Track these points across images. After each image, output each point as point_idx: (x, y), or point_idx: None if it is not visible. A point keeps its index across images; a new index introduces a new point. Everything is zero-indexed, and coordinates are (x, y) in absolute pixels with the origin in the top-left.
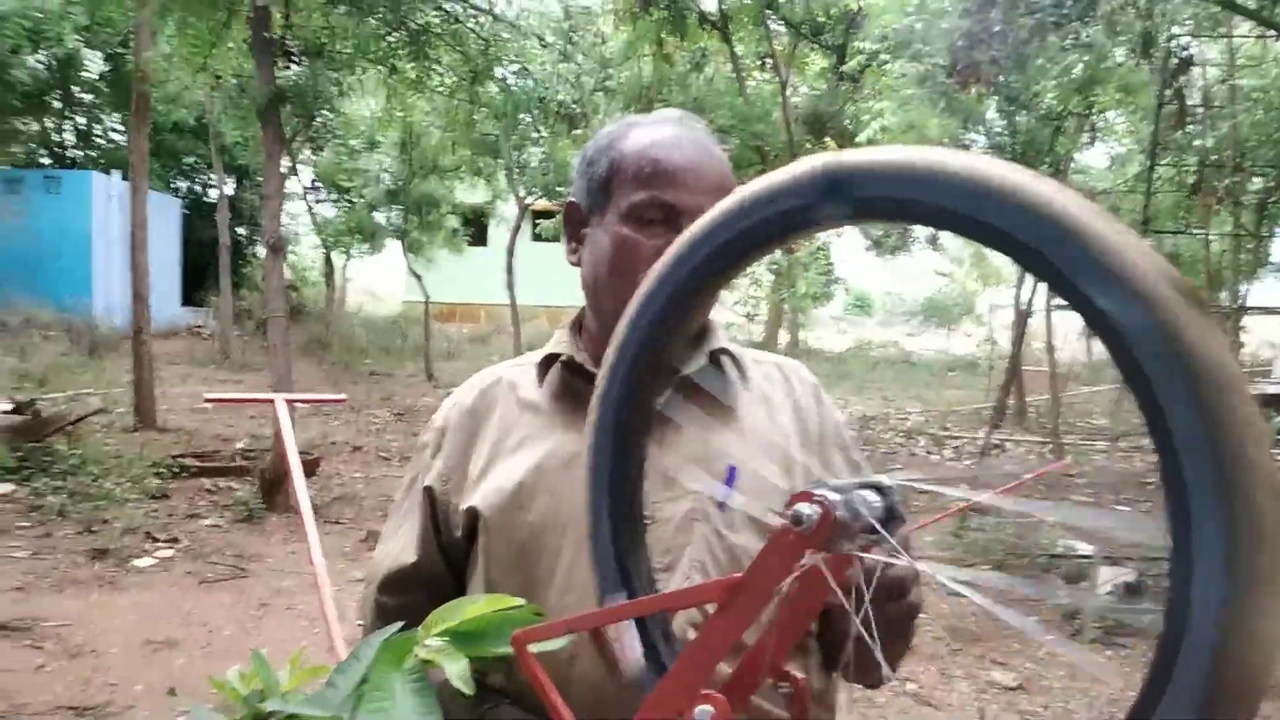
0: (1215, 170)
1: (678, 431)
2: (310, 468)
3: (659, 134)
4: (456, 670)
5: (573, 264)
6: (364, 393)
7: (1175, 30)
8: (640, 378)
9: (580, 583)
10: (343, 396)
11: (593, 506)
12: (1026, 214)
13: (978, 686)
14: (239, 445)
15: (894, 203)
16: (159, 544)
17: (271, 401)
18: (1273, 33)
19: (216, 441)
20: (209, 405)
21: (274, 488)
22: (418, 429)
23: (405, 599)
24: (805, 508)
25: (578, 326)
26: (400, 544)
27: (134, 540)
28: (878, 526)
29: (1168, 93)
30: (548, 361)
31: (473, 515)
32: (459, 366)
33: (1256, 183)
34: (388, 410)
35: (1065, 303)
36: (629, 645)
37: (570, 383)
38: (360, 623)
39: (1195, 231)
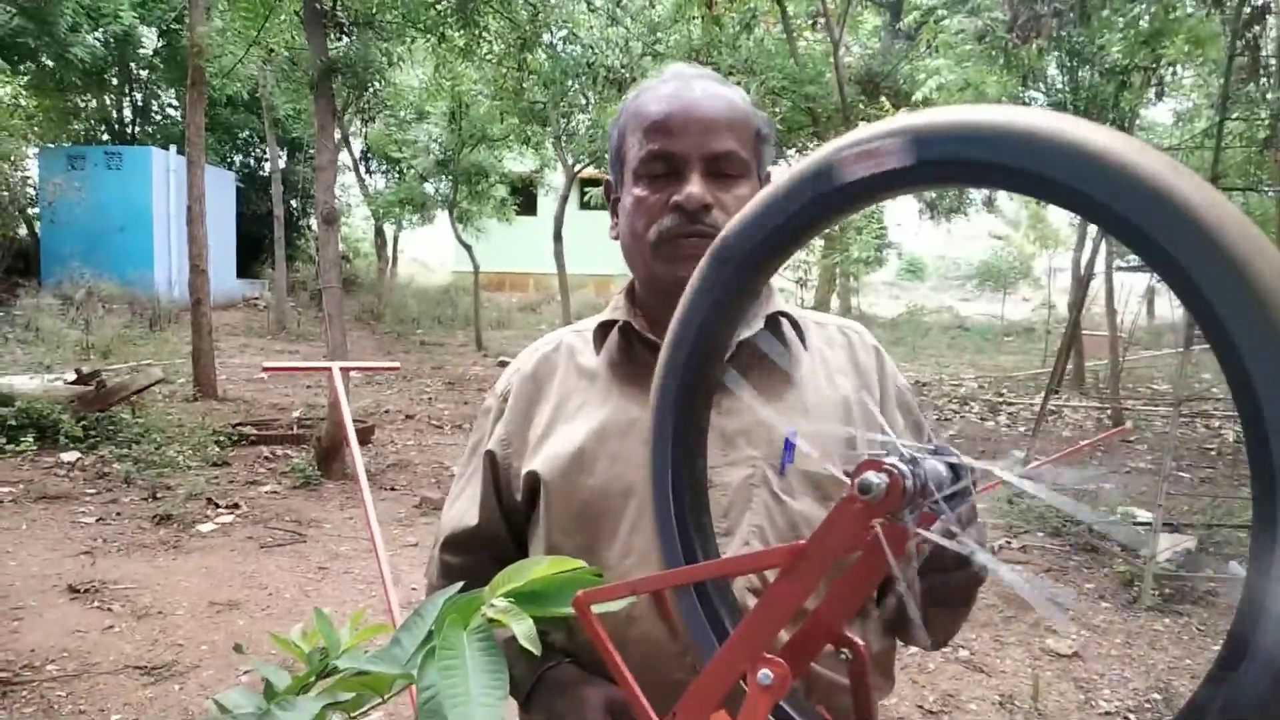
0: None
1: (735, 397)
2: (364, 436)
3: (654, 91)
4: (523, 630)
5: (614, 239)
6: (415, 362)
7: None
8: (704, 349)
9: (640, 546)
10: (396, 365)
11: (656, 473)
12: (1149, 200)
13: (1031, 654)
14: (295, 414)
15: (983, 167)
16: (220, 509)
17: (328, 370)
18: None
19: (274, 410)
20: (266, 375)
21: (330, 455)
22: (469, 397)
23: (468, 559)
24: (873, 476)
25: (631, 293)
26: (463, 506)
27: (196, 506)
28: (941, 502)
29: (1240, 44)
30: (605, 328)
31: (533, 479)
32: (508, 335)
33: None
34: (439, 379)
35: (1151, 276)
36: (689, 609)
37: (628, 349)
38: (427, 581)
39: (1267, 188)
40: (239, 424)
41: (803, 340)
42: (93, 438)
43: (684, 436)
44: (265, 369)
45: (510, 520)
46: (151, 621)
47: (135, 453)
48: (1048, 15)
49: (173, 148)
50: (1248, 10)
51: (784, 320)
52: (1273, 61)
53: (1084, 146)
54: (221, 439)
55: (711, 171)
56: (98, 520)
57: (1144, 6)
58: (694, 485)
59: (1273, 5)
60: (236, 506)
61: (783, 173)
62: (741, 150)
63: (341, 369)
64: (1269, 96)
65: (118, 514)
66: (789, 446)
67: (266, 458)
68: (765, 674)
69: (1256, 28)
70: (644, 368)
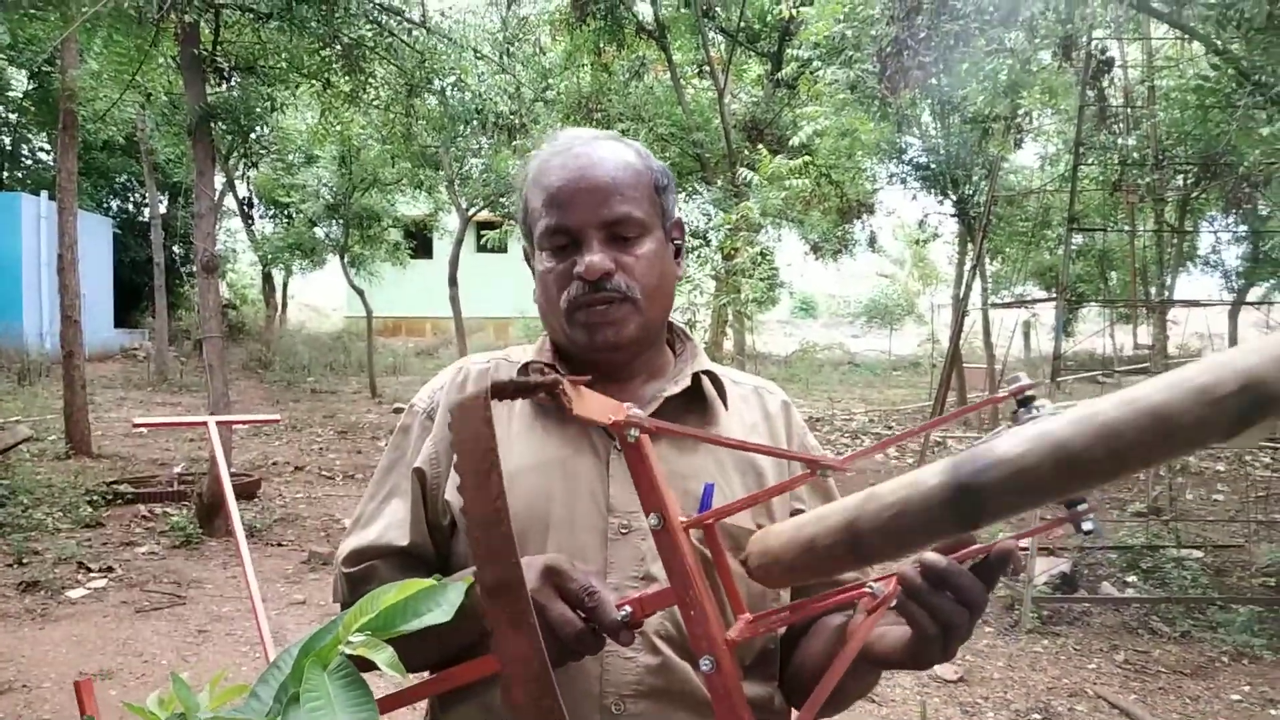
0: (1137, 168)
1: (658, 449)
2: (250, 489)
3: (552, 160)
4: (384, 658)
5: (535, 302)
6: (306, 411)
7: (1096, 33)
8: None
9: None
10: (276, 417)
11: None
12: None
13: (920, 681)
14: (177, 470)
15: None
16: (92, 574)
17: (204, 424)
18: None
19: (153, 466)
20: (143, 430)
21: (212, 512)
22: (362, 446)
23: (391, 576)
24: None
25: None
26: (384, 525)
27: (66, 570)
28: None
29: (1090, 94)
30: (527, 369)
31: (449, 506)
32: (404, 381)
33: (1178, 180)
34: (331, 428)
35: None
36: None
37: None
38: (340, 604)
39: (1121, 228)
40: (114, 482)
41: (723, 398)
42: None
43: None
44: (135, 424)
45: (436, 540)
46: (15, 696)
47: (0, 516)
48: (913, 68)
49: (44, 194)
50: (1095, 63)
51: (705, 378)
52: (1120, 110)
53: None
54: (95, 498)
55: (611, 236)
56: None
57: (1001, 60)
58: None
59: (1116, 59)
60: (111, 570)
61: None
62: (637, 211)
63: (219, 423)
64: (1118, 142)
65: None
66: (707, 497)
67: (144, 516)
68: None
69: (1104, 79)
70: (563, 410)
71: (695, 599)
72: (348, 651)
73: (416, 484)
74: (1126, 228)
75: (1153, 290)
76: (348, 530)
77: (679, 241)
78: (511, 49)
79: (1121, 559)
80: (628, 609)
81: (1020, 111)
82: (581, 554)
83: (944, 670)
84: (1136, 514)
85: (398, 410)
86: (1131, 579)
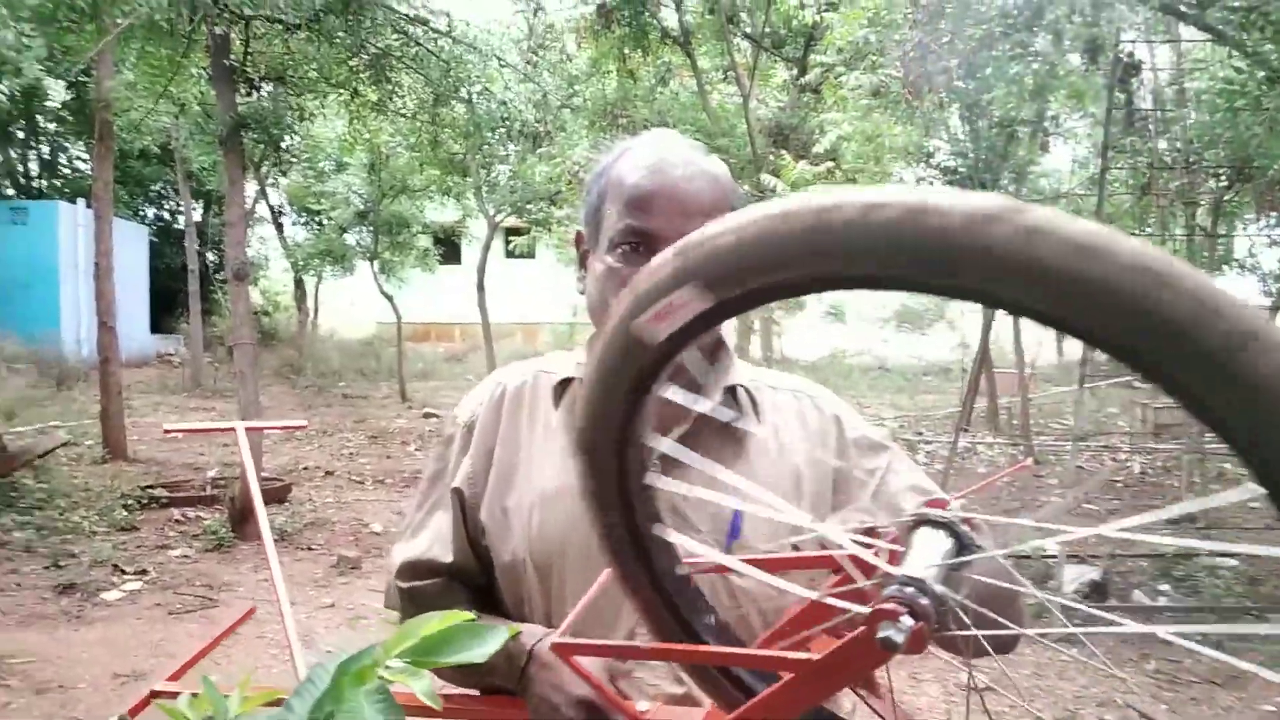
0: (1167, 171)
1: (686, 470)
2: (281, 494)
3: (641, 159)
4: (421, 687)
5: (580, 293)
6: (337, 416)
7: (1124, 36)
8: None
9: (578, 599)
10: (303, 423)
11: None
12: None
13: (946, 689)
14: (210, 474)
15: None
16: (127, 576)
17: (232, 430)
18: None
19: (187, 471)
20: (177, 435)
21: (244, 516)
22: (391, 451)
23: (437, 584)
24: (895, 634)
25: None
26: (429, 540)
27: (102, 573)
28: (957, 601)
29: (1118, 96)
30: (565, 384)
31: (485, 528)
32: (433, 386)
33: (1210, 183)
34: (361, 433)
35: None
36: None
37: None
38: (395, 612)
39: (1152, 232)
40: (149, 486)
41: (757, 411)
42: None
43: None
44: (167, 430)
45: (479, 555)
46: (51, 696)
47: (37, 519)
48: (937, 72)
49: (81, 201)
50: (1122, 67)
51: (740, 390)
52: (1149, 113)
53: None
54: (130, 502)
55: None
56: None
57: (1025, 65)
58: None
59: (1145, 62)
60: (144, 572)
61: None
62: None
63: (247, 428)
64: (1147, 146)
65: (17, 584)
66: (735, 523)
67: (178, 520)
68: None
69: (1133, 81)
70: None
71: None
72: (386, 676)
73: (456, 503)
74: (1158, 231)
75: None
76: (398, 536)
77: None
78: (537, 56)
79: (1153, 566)
80: None
81: (1047, 115)
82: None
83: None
84: (1169, 520)
85: (428, 415)
86: (1164, 587)
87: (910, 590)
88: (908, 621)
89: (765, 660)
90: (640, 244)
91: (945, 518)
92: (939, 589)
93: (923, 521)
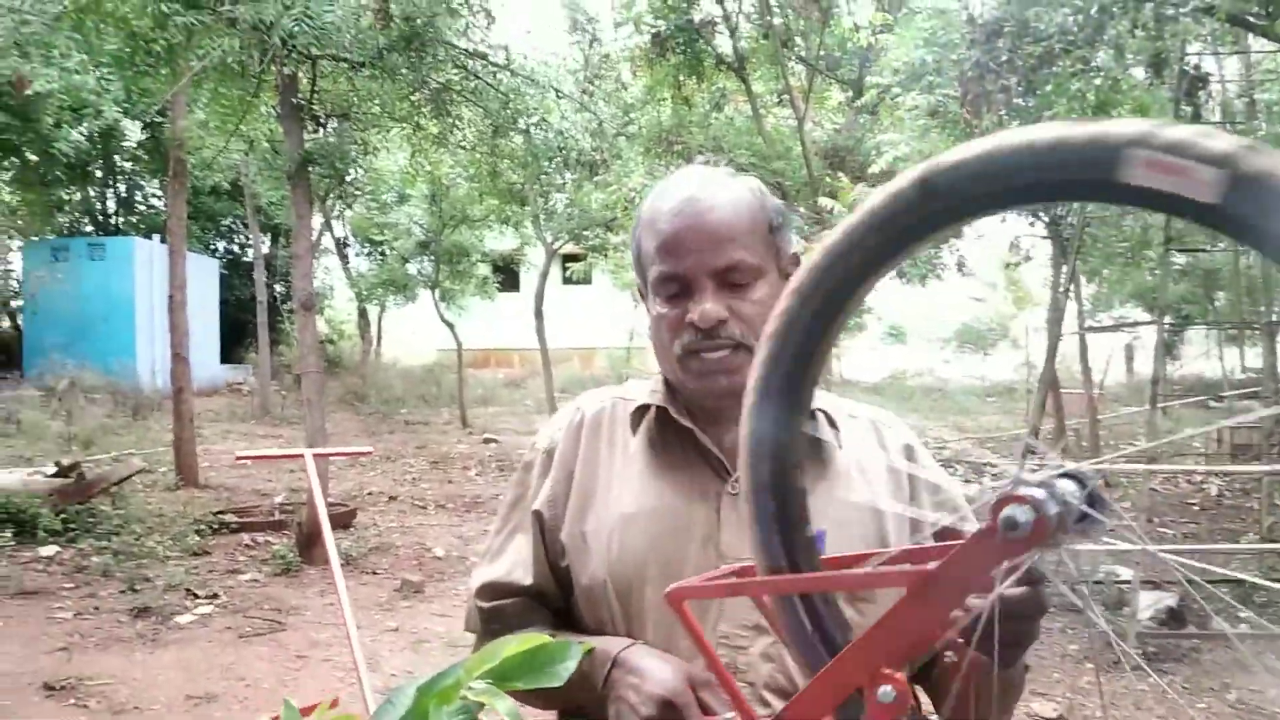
0: None
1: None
2: (346, 519)
3: (665, 203)
4: (505, 707)
5: (649, 339)
6: (400, 442)
7: (1189, 49)
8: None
9: (662, 624)
10: (369, 449)
11: (753, 480)
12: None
13: (1016, 719)
14: (278, 500)
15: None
16: (199, 600)
17: (301, 456)
18: None
19: (256, 497)
20: (246, 462)
21: (311, 541)
22: (453, 476)
23: (517, 605)
24: (1020, 514)
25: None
26: (511, 563)
27: (175, 597)
28: (1094, 513)
29: (1184, 110)
30: (642, 411)
31: (565, 550)
32: (493, 412)
33: None
34: (423, 459)
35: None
36: (792, 618)
37: (662, 433)
38: (474, 633)
39: (1223, 249)
40: (220, 512)
41: (838, 436)
42: (72, 530)
43: (780, 447)
44: (238, 458)
45: (558, 577)
46: (127, 717)
47: (114, 545)
48: (996, 91)
49: (156, 236)
50: (1187, 80)
51: (821, 415)
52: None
53: None
54: (202, 528)
55: (723, 282)
56: (75, 615)
57: (1086, 80)
58: (793, 494)
59: (1212, 74)
60: (216, 596)
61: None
62: (750, 256)
63: (315, 455)
64: None
65: (95, 608)
66: (819, 543)
67: (247, 545)
68: (886, 690)
69: (1200, 94)
70: (677, 452)
71: None
72: (470, 697)
73: (536, 525)
74: (1231, 247)
75: (1261, 311)
76: (480, 560)
77: None
78: (593, 86)
79: (1234, 593)
80: None
81: None
82: (694, 604)
83: (1042, 708)
84: (1250, 546)
85: (488, 440)
86: (1245, 614)
87: (1040, 493)
88: (1030, 512)
89: (879, 578)
90: (678, 288)
91: (1088, 475)
92: (1063, 502)
93: (1064, 474)
